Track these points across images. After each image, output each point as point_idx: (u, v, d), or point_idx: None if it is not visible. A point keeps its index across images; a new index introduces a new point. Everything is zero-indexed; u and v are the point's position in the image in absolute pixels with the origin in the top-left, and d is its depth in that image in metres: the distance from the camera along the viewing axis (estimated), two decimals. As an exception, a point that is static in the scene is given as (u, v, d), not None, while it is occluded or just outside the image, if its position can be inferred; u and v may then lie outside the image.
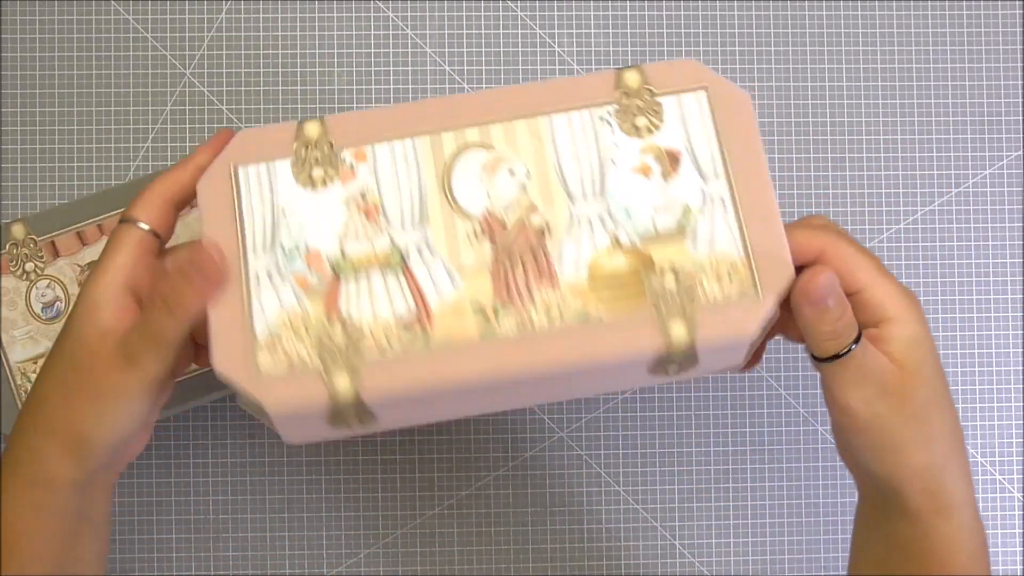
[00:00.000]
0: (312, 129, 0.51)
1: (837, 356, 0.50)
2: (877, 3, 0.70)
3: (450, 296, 0.49)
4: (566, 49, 0.69)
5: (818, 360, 0.51)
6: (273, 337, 0.49)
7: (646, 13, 0.69)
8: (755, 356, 0.56)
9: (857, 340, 0.50)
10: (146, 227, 0.51)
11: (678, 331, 0.48)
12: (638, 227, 0.50)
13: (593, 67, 0.69)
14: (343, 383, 0.48)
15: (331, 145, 0.51)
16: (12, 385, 0.64)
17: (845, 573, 0.68)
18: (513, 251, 0.50)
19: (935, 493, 0.51)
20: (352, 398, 0.48)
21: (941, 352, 0.69)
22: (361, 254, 0.50)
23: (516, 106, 0.51)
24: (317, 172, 0.51)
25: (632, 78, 0.52)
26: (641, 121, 0.51)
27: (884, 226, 0.69)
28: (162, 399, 0.54)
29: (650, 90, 0.52)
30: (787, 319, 0.52)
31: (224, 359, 0.49)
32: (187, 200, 0.52)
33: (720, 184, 0.51)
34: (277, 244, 0.50)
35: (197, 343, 0.55)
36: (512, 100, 0.51)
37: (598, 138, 0.51)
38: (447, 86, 0.68)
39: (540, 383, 0.49)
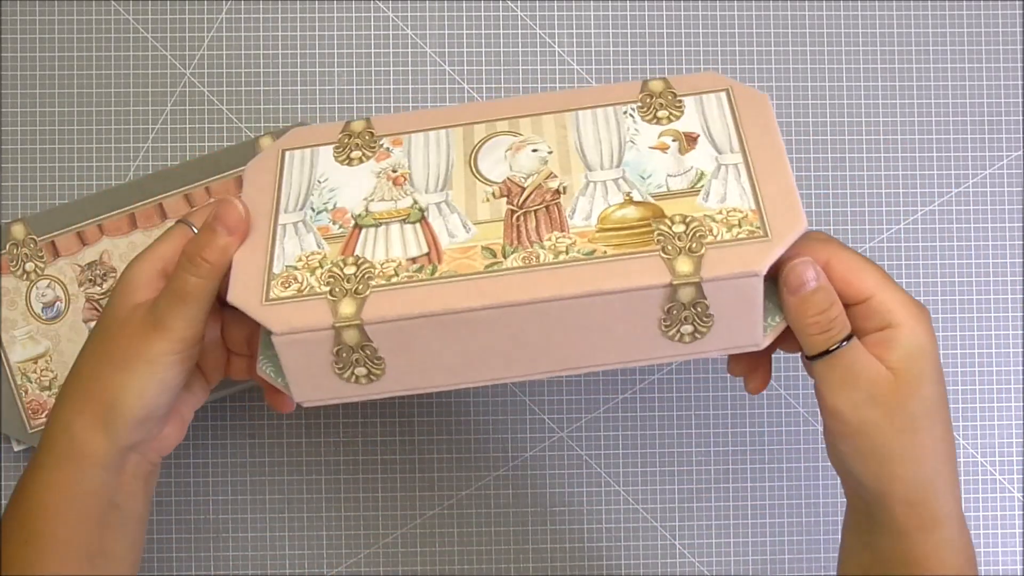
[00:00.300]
0: (357, 124, 0.55)
1: (827, 353, 0.50)
2: (877, 3, 0.70)
3: (462, 240, 0.50)
4: (566, 49, 0.69)
5: (809, 360, 0.51)
6: (288, 272, 0.50)
7: (646, 13, 0.69)
8: (763, 374, 0.56)
9: (848, 339, 0.50)
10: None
11: (683, 266, 0.47)
12: (651, 187, 0.50)
13: (593, 68, 0.69)
14: (347, 306, 0.48)
15: (372, 134, 0.55)
16: (12, 385, 0.64)
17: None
18: (527, 206, 0.51)
19: (920, 507, 0.50)
20: (354, 319, 0.47)
21: (941, 352, 0.69)
22: (383, 210, 0.51)
23: (546, 105, 0.55)
24: (356, 153, 0.54)
25: (656, 84, 0.55)
26: (662, 113, 0.53)
27: (884, 226, 0.69)
28: (199, 387, 0.55)
29: (673, 92, 0.54)
30: (784, 332, 0.52)
31: (239, 291, 0.50)
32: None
33: (735, 156, 0.51)
34: (308, 204, 0.52)
35: (230, 351, 0.55)
36: (542, 101, 0.55)
37: (619, 125, 0.53)
38: (447, 86, 0.68)
39: (545, 329, 0.48)
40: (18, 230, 0.64)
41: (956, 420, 0.69)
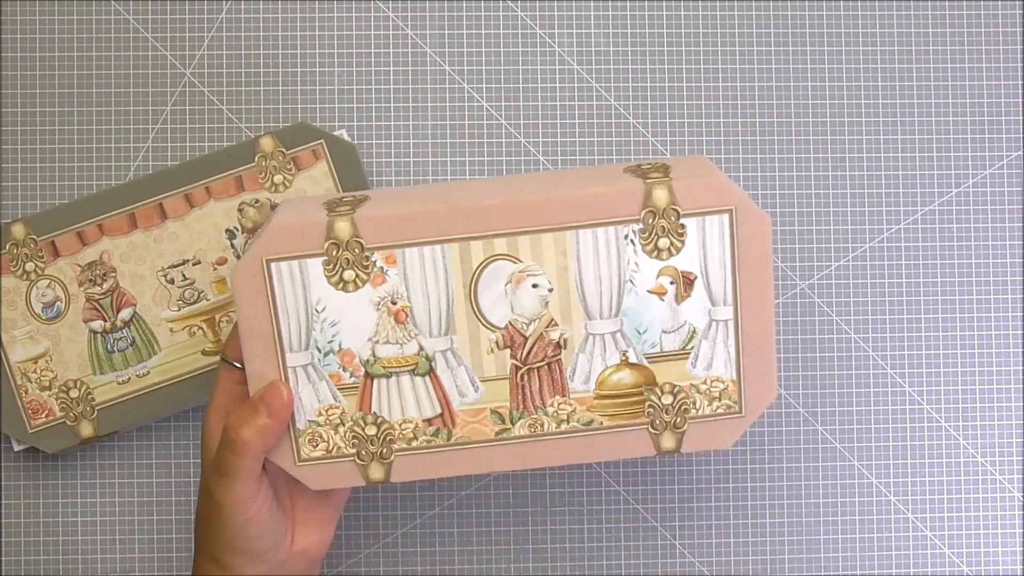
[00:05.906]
0: (343, 229, 0.51)
1: None
2: (877, 3, 0.70)
3: (472, 401, 0.53)
4: (566, 49, 0.69)
5: None
6: (312, 430, 0.53)
7: (646, 13, 0.69)
8: None
9: None
10: (238, 365, 0.55)
11: (667, 443, 0.54)
12: (646, 347, 0.53)
13: (593, 68, 0.69)
14: (376, 472, 0.53)
15: (361, 246, 0.52)
16: (12, 385, 0.64)
17: (845, 573, 0.68)
18: (530, 361, 0.53)
19: None
20: (383, 481, 0.54)
21: (941, 352, 0.69)
22: (391, 356, 0.53)
23: (545, 216, 0.51)
24: (348, 274, 0.52)
25: (661, 196, 0.52)
26: (663, 242, 0.52)
27: (884, 226, 0.69)
28: (327, 500, 0.58)
29: (676, 210, 0.52)
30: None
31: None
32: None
33: (727, 311, 0.53)
34: (312, 343, 0.52)
35: None
36: (542, 209, 0.51)
37: (620, 256, 0.52)
38: (447, 86, 0.68)
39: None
40: (18, 230, 0.64)
41: (956, 420, 0.69)
